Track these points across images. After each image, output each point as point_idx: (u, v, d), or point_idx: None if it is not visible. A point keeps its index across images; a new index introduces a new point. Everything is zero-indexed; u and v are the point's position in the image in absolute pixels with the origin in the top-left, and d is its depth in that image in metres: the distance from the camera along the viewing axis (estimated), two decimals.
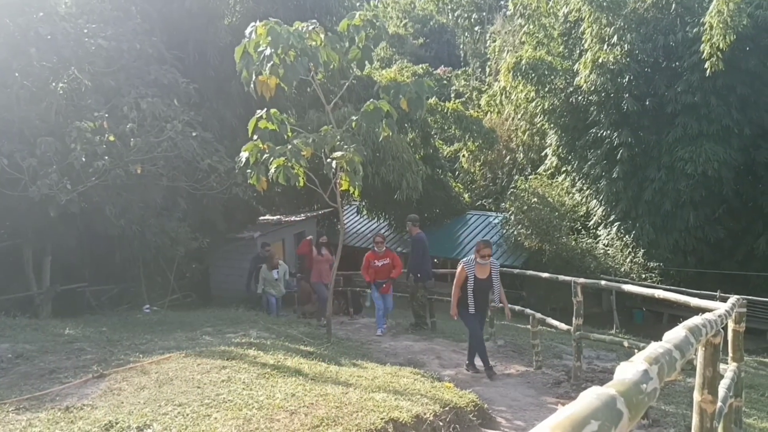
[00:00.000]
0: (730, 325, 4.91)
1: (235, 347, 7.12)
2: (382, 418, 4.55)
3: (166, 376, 5.68)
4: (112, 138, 11.34)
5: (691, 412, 3.40)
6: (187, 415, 4.53)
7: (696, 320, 2.56)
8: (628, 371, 1.40)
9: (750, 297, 12.35)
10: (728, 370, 4.81)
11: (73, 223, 11.88)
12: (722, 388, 3.91)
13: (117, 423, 4.35)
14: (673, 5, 19.45)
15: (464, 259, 8.07)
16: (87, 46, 11.76)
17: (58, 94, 11.52)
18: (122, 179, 11.42)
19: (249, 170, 8.19)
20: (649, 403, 1.39)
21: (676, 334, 1.99)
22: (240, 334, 8.32)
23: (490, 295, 8.15)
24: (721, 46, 16.49)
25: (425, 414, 4.91)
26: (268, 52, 7.24)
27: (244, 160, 8.05)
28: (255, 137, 7.89)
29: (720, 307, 4.40)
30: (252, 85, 7.64)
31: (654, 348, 1.66)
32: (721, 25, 16.39)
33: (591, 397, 1.15)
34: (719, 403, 3.41)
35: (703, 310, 4.24)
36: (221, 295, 17.55)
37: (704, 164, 18.23)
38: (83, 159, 10.79)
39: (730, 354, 5.13)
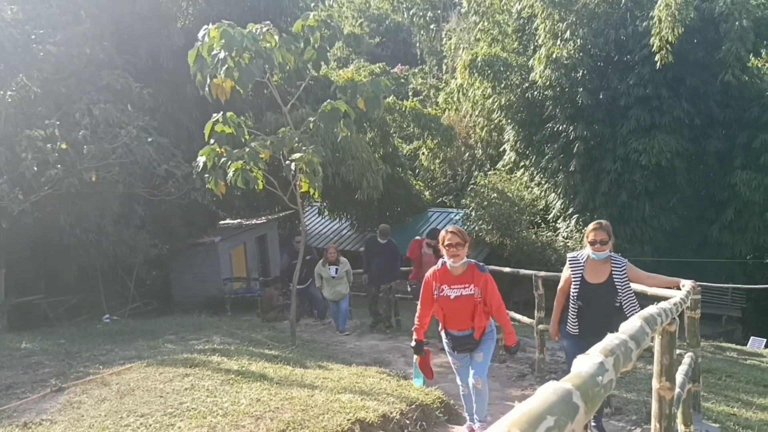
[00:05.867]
0: (686, 312, 5.03)
1: (198, 354, 7.03)
2: (348, 419, 4.54)
3: (127, 386, 5.57)
4: (64, 146, 11.10)
5: (651, 399, 3.47)
6: (150, 425, 4.46)
7: (651, 310, 2.62)
8: (584, 364, 1.42)
9: (705, 283, 12.65)
10: (685, 356, 4.94)
11: (27, 234, 11.59)
12: (680, 375, 4.01)
13: None
14: (623, 0, 19.82)
15: (570, 255, 5.27)
16: (35, 52, 11.46)
17: (6, 102, 11.20)
18: (76, 187, 11.19)
19: (207, 175, 8.13)
20: (605, 395, 1.41)
21: (631, 324, 2.03)
22: (203, 341, 8.21)
23: (611, 311, 4.94)
24: (669, 39, 16.86)
25: (392, 413, 4.92)
26: (222, 55, 7.18)
27: (201, 164, 7.98)
28: (212, 141, 7.82)
29: (676, 295, 4.51)
30: (207, 89, 7.57)
31: (610, 340, 1.68)
32: (669, 19, 16.76)
33: (547, 392, 1.16)
34: (677, 389, 3.48)
35: (660, 299, 4.34)
36: (184, 301, 17.31)
37: (657, 155, 18.61)
38: (35, 168, 10.54)
39: (687, 340, 5.26)
